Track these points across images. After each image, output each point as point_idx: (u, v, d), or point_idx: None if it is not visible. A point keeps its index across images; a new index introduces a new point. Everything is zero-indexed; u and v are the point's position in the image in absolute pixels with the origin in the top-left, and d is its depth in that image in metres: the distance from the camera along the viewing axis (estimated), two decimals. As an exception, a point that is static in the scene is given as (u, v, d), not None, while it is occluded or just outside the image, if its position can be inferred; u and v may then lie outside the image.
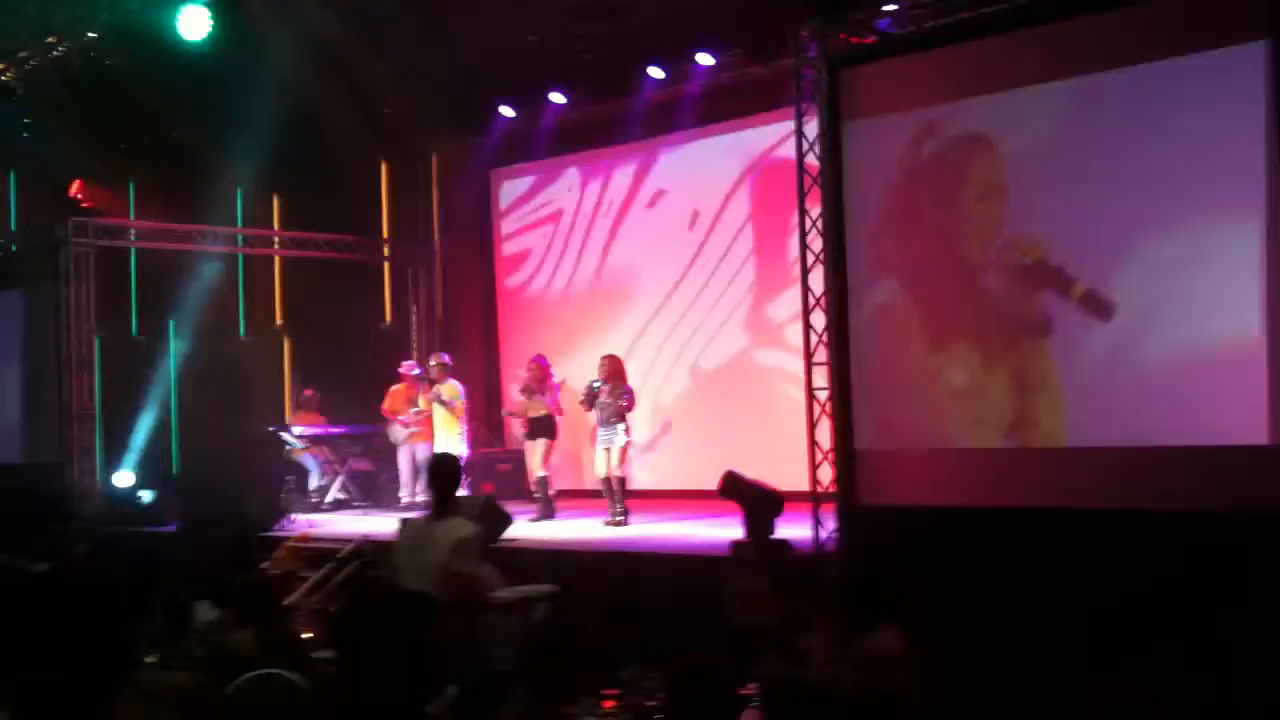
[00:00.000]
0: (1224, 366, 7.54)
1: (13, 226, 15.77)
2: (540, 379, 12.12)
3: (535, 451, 11.96)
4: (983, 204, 8.56)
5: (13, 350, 14.99)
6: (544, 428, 11.95)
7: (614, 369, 11.25)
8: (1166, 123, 7.79)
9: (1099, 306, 8.01)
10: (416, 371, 13.62)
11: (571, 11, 11.11)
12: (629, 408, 11.21)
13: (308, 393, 14.47)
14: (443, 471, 6.75)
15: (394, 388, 13.51)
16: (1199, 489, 7.47)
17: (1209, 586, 6.84)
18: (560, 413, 12.56)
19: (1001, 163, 8.49)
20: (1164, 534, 7.30)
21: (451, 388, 12.54)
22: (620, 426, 11.10)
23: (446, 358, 12.89)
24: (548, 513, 11.73)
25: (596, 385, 11.20)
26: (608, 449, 11.14)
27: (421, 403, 12.84)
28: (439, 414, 12.56)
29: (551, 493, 12.02)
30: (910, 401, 8.86)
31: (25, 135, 14.05)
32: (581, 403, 11.45)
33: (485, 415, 14.48)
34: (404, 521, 7.35)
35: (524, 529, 10.95)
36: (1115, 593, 6.87)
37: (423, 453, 13.25)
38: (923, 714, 3.80)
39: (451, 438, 12.44)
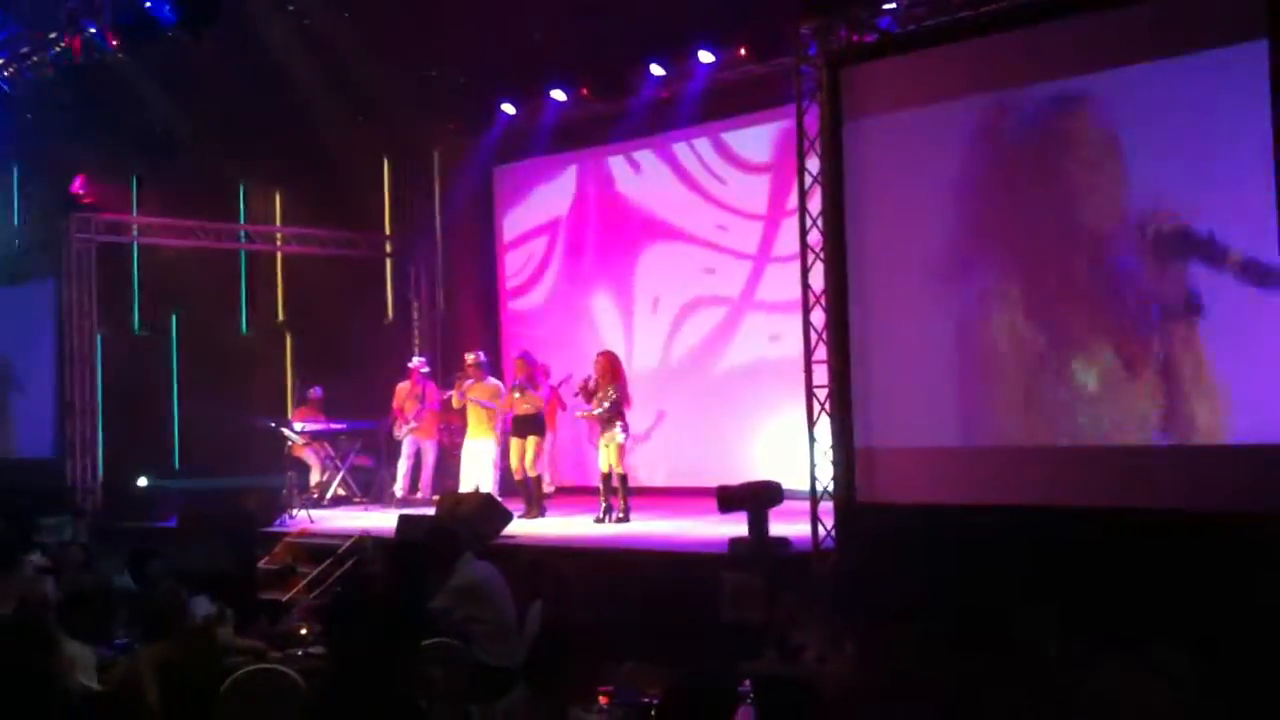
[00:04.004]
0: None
1: (15, 221, 15.79)
2: (529, 375, 11.97)
3: (526, 450, 11.75)
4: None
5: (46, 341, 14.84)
6: (531, 425, 11.84)
7: (610, 366, 11.22)
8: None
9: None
10: (426, 370, 13.60)
11: (569, 9, 11.11)
12: (626, 405, 11.18)
13: (313, 392, 14.36)
14: None
15: (401, 384, 13.49)
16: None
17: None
18: (564, 407, 12.59)
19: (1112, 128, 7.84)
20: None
21: (492, 387, 12.28)
22: (618, 424, 11.08)
23: (483, 356, 12.58)
24: (536, 512, 11.64)
25: (593, 382, 11.18)
26: (606, 446, 11.12)
27: (454, 401, 12.66)
28: (473, 411, 12.31)
29: (549, 490, 11.92)
30: (1027, 399, 8.32)
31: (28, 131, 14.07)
32: (576, 397, 11.43)
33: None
34: None
35: (523, 526, 10.96)
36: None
37: (429, 449, 13.27)
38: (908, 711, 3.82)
39: (486, 433, 12.24)
